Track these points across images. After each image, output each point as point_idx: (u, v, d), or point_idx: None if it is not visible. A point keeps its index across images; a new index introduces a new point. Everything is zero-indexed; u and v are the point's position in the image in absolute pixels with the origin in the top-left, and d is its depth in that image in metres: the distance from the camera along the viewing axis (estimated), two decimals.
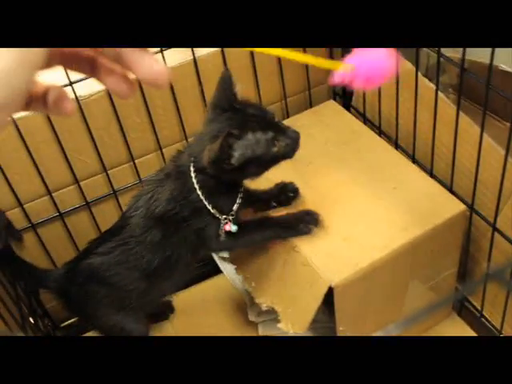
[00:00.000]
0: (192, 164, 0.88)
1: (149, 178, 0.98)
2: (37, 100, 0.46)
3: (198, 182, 0.88)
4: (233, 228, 0.92)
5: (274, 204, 1.02)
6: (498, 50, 0.85)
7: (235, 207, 0.92)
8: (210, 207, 0.90)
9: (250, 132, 0.83)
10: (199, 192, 0.89)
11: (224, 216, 0.91)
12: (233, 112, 0.87)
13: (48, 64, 0.44)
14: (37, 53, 0.38)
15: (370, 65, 0.71)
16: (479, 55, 1.04)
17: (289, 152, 0.88)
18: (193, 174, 0.88)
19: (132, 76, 0.45)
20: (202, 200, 0.89)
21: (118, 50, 0.43)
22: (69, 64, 0.47)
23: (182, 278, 1.03)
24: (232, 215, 0.92)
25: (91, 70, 0.47)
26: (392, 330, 0.38)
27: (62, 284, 0.99)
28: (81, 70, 0.47)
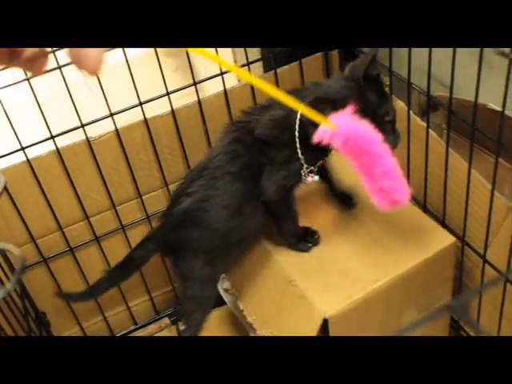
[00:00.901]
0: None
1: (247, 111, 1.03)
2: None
3: (299, 129, 0.93)
4: (315, 178, 0.99)
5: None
6: (485, 90, 0.90)
7: (319, 163, 0.98)
8: (299, 152, 0.95)
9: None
10: (297, 134, 0.93)
11: (306, 165, 0.97)
12: (357, 86, 0.91)
13: None
14: None
15: (351, 128, 0.76)
16: (468, 94, 1.10)
17: None
18: (298, 121, 0.93)
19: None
20: (296, 142, 0.94)
21: None
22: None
23: (261, 221, 1.04)
24: (314, 167, 0.98)
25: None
26: None
27: (160, 237, 1.05)
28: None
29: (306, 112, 0.71)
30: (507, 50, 0.72)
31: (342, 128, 0.76)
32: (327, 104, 0.84)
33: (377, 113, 0.90)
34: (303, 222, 1.09)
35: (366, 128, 0.79)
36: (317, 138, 0.78)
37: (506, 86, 0.80)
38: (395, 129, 0.93)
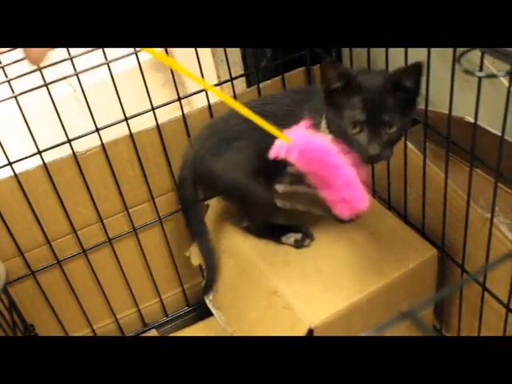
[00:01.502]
0: None
1: None
2: None
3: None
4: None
5: None
6: (463, 103, 0.93)
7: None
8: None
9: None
10: None
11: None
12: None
13: None
14: None
15: (306, 141, 0.77)
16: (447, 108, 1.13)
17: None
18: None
19: None
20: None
21: None
22: None
23: None
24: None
25: None
26: None
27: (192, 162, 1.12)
28: None
29: (265, 126, 0.72)
30: (473, 68, 0.75)
31: (297, 141, 0.76)
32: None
33: (339, 125, 0.90)
34: None
35: (321, 140, 0.79)
36: (273, 153, 0.78)
37: (477, 101, 0.83)
38: (369, 141, 0.88)
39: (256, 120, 0.69)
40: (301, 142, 0.76)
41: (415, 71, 0.86)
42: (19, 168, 1.11)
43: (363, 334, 0.43)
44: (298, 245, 1.11)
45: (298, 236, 1.11)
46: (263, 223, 1.13)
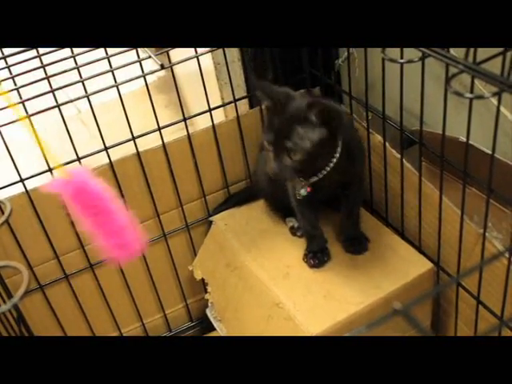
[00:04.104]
0: None
1: None
2: None
3: None
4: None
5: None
6: (458, 124, 0.98)
7: None
8: None
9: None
10: None
11: None
12: None
13: None
14: None
15: (84, 181, 0.73)
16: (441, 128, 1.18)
17: None
18: None
19: None
20: None
21: None
22: None
23: None
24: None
25: None
26: None
27: None
28: None
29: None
30: (467, 90, 0.80)
31: (75, 179, 0.73)
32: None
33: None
34: (291, 249, 1.16)
35: (100, 184, 0.75)
36: (46, 186, 0.75)
37: (469, 121, 0.88)
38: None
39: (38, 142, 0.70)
40: (79, 181, 0.72)
41: (321, 110, 0.91)
42: (30, 185, 1.15)
43: (354, 331, 0.47)
44: (292, 231, 1.19)
45: (296, 223, 1.19)
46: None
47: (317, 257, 1.13)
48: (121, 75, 1.08)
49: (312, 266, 1.13)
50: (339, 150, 0.99)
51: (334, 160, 0.99)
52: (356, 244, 1.15)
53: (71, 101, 1.08)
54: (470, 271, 0.92)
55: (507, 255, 0.92)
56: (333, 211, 1.21)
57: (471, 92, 0.81)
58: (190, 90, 1.63)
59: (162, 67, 0.88)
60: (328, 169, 1.00)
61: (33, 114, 1.04)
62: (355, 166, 1.09)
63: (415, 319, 0.46)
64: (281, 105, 0.94)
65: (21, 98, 1.02)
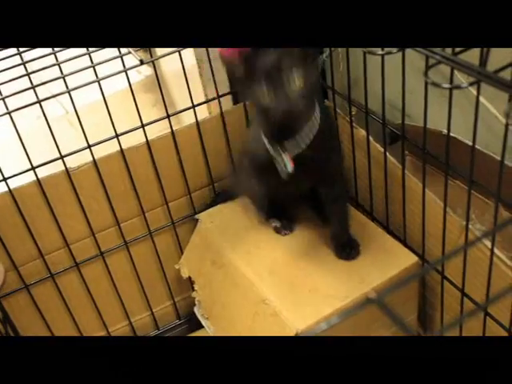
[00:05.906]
0: None
1: None
2: None
3: None
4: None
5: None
6: (441, 117, 0.98)
7: None
8: None
9: None
10: None
11: None
12: None
13: None
14: None
15: None
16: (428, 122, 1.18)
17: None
18: None
19: None
20: None
21: None
22: None
23: None
24: None
25: None
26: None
27: None
28: None
29: None
30: (441, 82, 0.80)
31: None
32: None
33: None
34: (276, 246, 1.16)
35: None
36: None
37: (449, 113, 0.88)
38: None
39: None
40: None
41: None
42: (13, 183, 1.14)
43: (331, 320, 0.47)
44: (277, 230, 1.20)
45: (278, 224, 1.20)
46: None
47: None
48: (105, 72, 1.08)
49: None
50: (317, 120, 0.99)
51: (314, 130, 0.98)
52: (347, 249, 1.13)
53: (53, 96, 1.08)
54: (447, 256, 0.93)
55: (489, 241, 0.92)
56: (318, 215, 1.22)
57: (450, 83, 0.81)
58: (177, 88, 1.62)
59: (142, 62, 0.87)
60: (307, 141, 0.98)
61: (13, 111, 1.04)
62: (332, 157, 1.08)
63: (388, 308, 0.46)
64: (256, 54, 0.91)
65: (1, 94, 1.02)
